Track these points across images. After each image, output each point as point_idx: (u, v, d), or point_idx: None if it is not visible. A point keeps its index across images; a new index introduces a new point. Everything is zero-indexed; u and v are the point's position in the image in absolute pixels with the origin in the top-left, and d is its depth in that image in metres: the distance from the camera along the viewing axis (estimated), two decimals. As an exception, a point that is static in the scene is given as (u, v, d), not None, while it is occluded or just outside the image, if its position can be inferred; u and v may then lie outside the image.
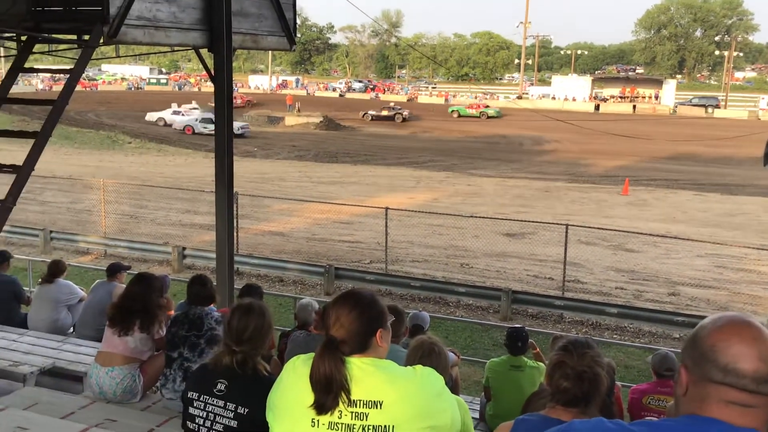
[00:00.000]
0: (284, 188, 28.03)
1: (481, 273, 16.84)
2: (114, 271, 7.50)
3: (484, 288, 14.77)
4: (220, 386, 3.24)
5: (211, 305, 5.11)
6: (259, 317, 3.32)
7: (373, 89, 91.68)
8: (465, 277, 16.23)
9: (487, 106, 66.44)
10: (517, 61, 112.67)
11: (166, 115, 52.15)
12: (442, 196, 27.68)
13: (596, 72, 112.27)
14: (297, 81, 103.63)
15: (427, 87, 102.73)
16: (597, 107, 73.84)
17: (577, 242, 17.55)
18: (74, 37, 6.69)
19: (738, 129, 51.42)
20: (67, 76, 5.94)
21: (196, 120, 47.79)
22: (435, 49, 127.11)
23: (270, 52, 65.65)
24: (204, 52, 7.33)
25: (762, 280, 15.10)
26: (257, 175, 30.77)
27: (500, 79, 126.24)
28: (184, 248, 16.59)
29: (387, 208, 16.37)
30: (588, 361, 2.68)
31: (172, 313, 5.32)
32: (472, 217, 19.24)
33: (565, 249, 14.65)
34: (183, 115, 51.22)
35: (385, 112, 60.93)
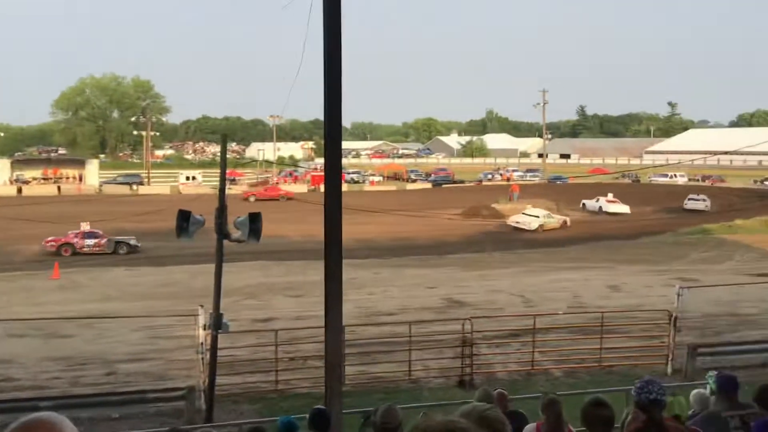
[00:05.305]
0: None
1: None
2: None
3: None
4: None
5: None
6: None
7: None
8: None
9: None
10: None
11: None
12: None
13: (16, 154, 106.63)
14: None
15: None
16: (20, 190, 70.00)
17: (7, 337, 16.23)
18: None
19: (162, 203, 54.41)
20: None
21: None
22: None
23: None
24: None
25: (193, 344, 16.00)
26: None
27: None
28: None
29: None
30: None
31: None
32: None
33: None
34: None
35: None
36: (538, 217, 45.82)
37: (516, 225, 45.30)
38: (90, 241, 36.13)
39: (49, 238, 36.37)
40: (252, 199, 58.60)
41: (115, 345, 17.40)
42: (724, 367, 12.61)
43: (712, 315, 19.71)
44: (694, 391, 6.58)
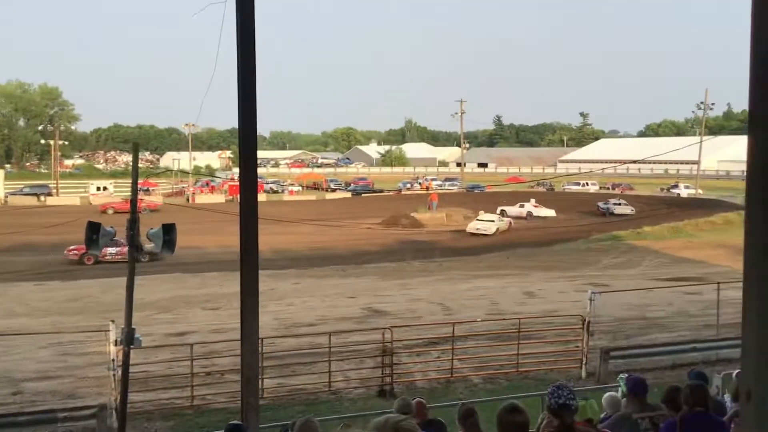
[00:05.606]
0: None
1: None
2: None
3: None
4: None
5: None
6: None
7: None
8: None
9: None
10: None
11: None
12: None
13: None
14: None
15: None
16: None
17: None
18: None
19: (72, 215, 52.53)
20: None
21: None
22: None
23: None
24: None
25: (104, 360, 15.45)
26: None
27: None
28: None
29: None
30: None
31: None
32: None
33: None
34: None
35: None
36: (493, 221, 49.02)
37: (476, 231, 47.35)
38: (112, 250, 34.53)
39: (72, 247, 35.23)
40: (110, 212, 53.17)
41: (22, 363, 16.63)
42: (634, 370, 13.05)
43: (623, 319, 20.35)
44: (606, 394, 6.75)
